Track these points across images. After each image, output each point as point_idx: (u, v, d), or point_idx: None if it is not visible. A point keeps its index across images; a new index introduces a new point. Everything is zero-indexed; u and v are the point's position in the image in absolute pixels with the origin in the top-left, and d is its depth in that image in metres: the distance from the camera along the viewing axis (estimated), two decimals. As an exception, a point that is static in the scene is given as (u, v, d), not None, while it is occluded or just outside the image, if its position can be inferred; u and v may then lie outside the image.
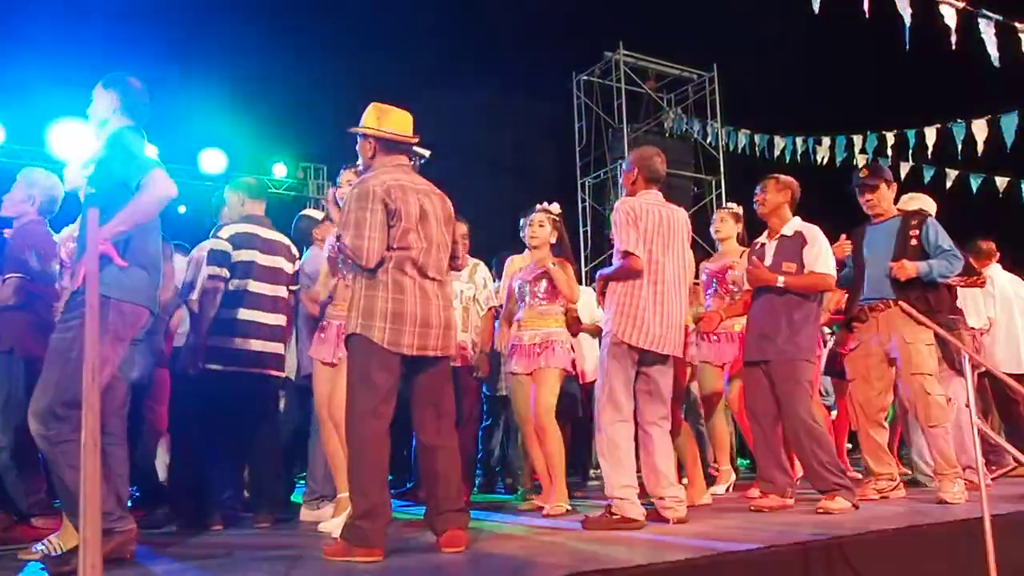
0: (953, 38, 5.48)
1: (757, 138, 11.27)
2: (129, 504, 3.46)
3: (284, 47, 13.42)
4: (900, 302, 4.21)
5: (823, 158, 10.13)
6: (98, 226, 2.72)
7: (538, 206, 4.79)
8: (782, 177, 4.58)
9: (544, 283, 4.63)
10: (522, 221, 4.77)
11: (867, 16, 5.14)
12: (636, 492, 3.64)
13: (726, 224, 5.44)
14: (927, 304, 4.39)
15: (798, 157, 10.43)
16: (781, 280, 4.26)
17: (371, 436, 3.04)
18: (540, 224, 4.69)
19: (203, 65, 11.65)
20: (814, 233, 4.38)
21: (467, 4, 13.83)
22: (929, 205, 5.18)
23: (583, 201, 14.85)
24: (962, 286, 5.21)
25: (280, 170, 13.17)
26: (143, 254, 3.10)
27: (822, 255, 4.32)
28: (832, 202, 6.11)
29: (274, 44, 13.27)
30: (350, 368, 3.17)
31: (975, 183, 9.15)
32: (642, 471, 3.84)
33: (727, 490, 5.33)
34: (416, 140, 3.42)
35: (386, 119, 3.38)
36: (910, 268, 4.44)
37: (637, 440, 3.82)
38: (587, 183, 14.96)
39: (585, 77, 14.90)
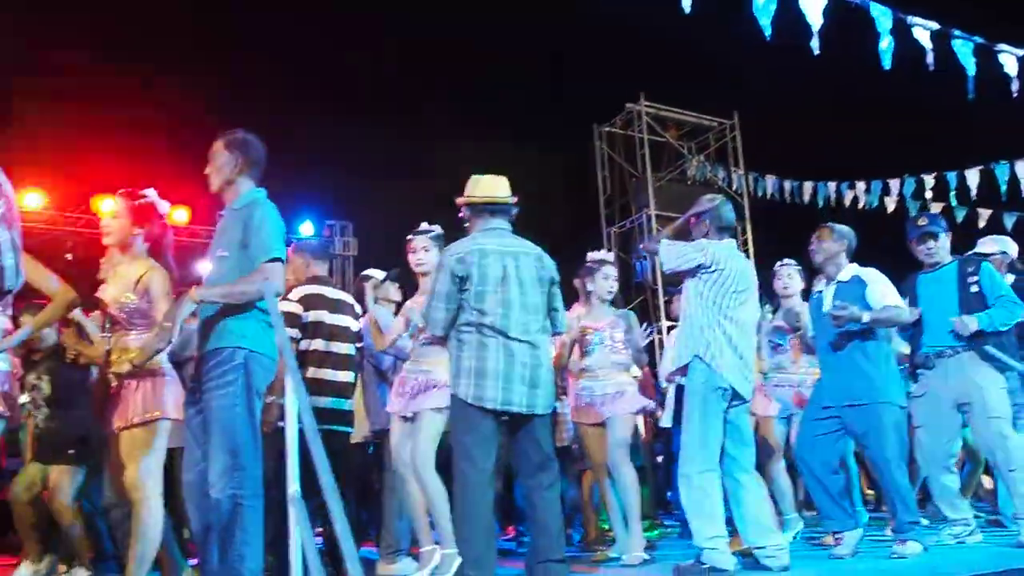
0: (1014, 86, 5.53)
1: (786, 184, 11.37)
2: None
3: (306, 103, 13.71)
4: (983, 347, 4.20)
5: (865, 204, 10.15)
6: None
7: (596, 256, 4.90)
8: (837, 226, 4.57)
9: (620, 332, 4.69)
10: (596, 272, 4.85)
11: (932, 69, 5.21)
12: (726, 541, 3.63)
13: (794, 280, 5.42)
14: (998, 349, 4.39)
15: (831, 202, 10.49)
16: (866, 316, 4.13)
17: (469, 485, 3.16)
18: (616, 279, 4.86)
19: (228, 123, 11.89)
20: (873, 275, 4.37)
21: (489, 57, 14.14)
22: (1011, 247, 5.18)
23: (609, 251, 14.91)
24: None
25: (307, 228, 13.40)
26: (268, 311, 3.19)
27: (888, 291, 4.30)
28: (867, 247, 6.13)
29: (296, 101, 13.55)
30: (450, 424, 3.33)
31: (1009, 222, 9.18)
32: (736, 522, 3.80)
33: (795, 537, 5.27)
34: (490, 199, 3.50)
35: (474, 187, 3.51)
36: (971, 323, 4.38)
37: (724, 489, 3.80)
38: (612, 232, 15.07)
39: (607, 128, 15.12)
